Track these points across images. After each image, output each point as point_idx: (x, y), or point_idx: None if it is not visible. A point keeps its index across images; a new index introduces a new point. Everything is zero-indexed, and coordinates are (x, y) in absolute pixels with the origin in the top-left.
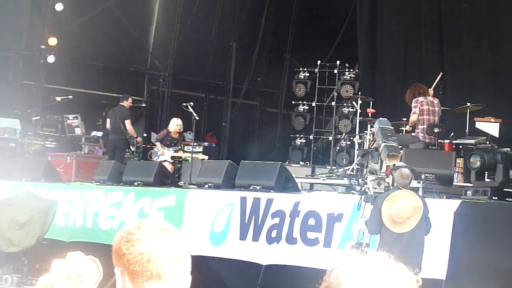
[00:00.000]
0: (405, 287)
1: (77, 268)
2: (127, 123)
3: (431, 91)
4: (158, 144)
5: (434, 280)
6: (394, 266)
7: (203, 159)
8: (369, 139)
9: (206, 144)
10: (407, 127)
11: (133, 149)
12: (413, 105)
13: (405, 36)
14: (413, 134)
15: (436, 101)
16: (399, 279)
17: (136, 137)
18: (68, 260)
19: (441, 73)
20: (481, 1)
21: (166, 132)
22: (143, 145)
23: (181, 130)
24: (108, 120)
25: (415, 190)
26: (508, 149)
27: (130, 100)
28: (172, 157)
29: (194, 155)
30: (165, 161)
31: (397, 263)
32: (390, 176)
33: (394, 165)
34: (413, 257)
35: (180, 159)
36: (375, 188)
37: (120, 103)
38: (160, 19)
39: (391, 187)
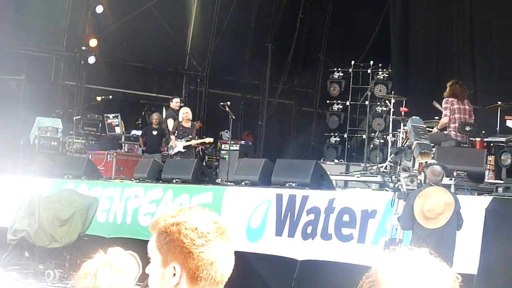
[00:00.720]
0: (446, 283)
1: (119, 260)
2: (168, 122)
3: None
4: (172, 137)
5: (466, 275)
6: (436, 263)
7: (210, 142)
8: (402, 137)
9: (242, 142)
10: (435, 129)
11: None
12: (443, 105)
13: (437, 36)
14: (445, 132)
15: (467, 102)
16: (440, 275)
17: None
18: (110, 253)
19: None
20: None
21: (177, 123)
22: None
23: (190, 118)
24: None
25: (447, 187)
26: None
27: (174, 101)
28: (185, 147)
29: (201, 140)
30: (178, 152)
31: (439, 260)
32: (422, 173)
33: (426, 162)
34: (445, 252)
35: (218, 158)
36: (408, 185)
37: (170, 106)
38: (197, 20)
39: (423, 184)
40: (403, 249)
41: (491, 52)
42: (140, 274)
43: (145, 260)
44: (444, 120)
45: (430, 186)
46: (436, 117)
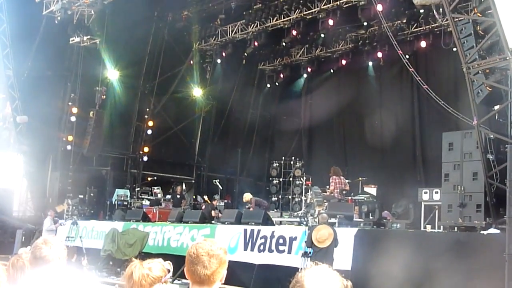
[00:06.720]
0: (339, 283)
1: (154, 267)
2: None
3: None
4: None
5: (343, 270)
6: (332, 273)
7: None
8: (310, 197)
9: (225, 201)
10: (328, 192)
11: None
12: (331, 181)
13: (327, 143)
14: (332, 194)
15: (343, 178)
16: (337, 280)
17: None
18: (149, 262)
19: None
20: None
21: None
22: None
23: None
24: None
25: (333, 223)
26: (379, 202)
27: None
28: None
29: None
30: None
31: (333, 270)
32: (318, 217)
33: (319, 211)
34: (328, 259)
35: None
36: (312, 223)
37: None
38: (201, 135)
39: (318, 223)
40: (314, 266)
41: (356, 145)
42: (170, 275)
43: (176, 265)
44: (331, 188)
45: (321, 224)
46: (327, 187)
